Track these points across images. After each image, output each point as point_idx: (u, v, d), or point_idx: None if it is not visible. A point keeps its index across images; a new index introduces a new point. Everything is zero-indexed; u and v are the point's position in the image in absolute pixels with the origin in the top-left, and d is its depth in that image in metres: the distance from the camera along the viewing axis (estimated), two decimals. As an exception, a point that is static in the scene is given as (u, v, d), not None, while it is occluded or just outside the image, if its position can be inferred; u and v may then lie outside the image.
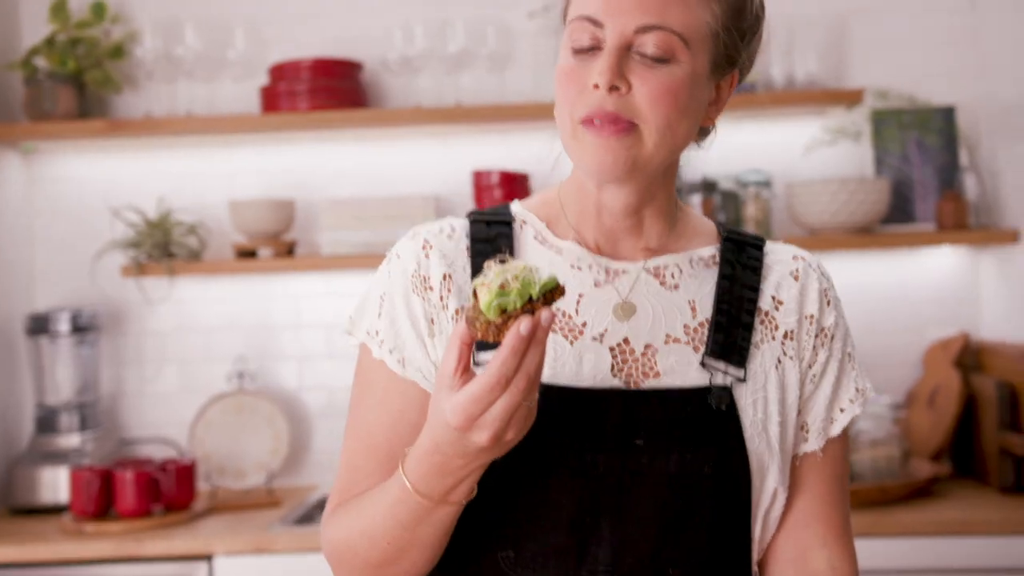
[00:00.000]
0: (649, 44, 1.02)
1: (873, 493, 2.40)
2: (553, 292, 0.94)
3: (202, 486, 2.76)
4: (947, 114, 2.76)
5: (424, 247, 1.11)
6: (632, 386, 1.08)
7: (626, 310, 1.10)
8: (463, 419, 0.92)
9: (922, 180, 2.77)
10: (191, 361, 2.87)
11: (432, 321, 1.09)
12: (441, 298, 1.09)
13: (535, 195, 1.19)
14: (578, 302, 1.10)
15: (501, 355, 0.90)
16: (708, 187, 2.73)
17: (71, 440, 2.73)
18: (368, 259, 2.69)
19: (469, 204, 2.82)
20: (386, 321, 1.10)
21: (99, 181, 2.86)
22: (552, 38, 2.76)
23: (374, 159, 2.87)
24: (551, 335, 1.07)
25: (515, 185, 2.72)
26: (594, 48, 1.03)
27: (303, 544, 2.33)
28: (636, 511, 1.05)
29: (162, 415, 2.86)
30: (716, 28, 1.05)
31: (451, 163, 2.84)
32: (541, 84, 2.80)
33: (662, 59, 1.02)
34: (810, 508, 1.14)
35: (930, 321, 2.80)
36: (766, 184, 2.72)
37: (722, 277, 1.12)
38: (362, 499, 1.06)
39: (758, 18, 1.10)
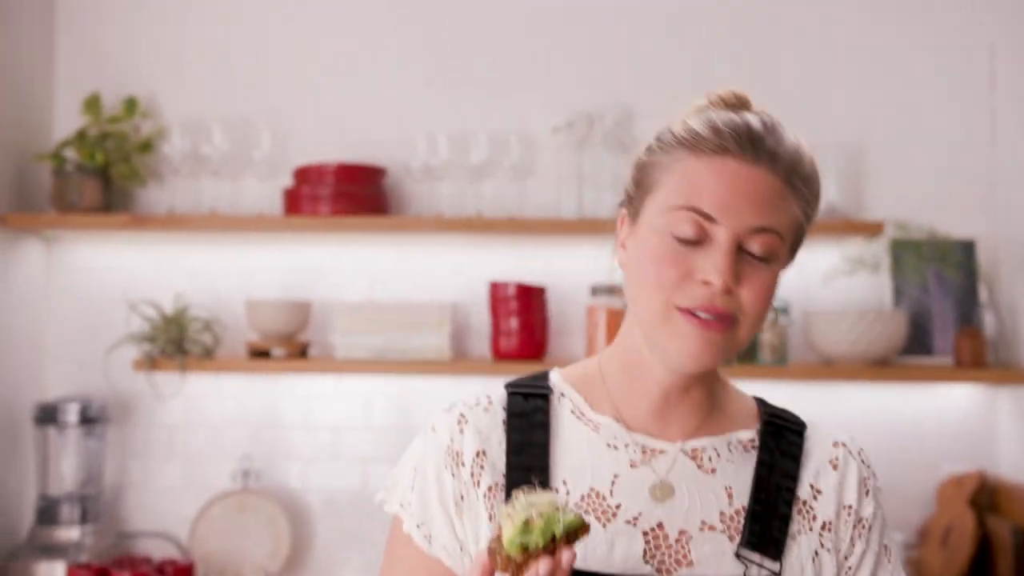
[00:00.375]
0: (756, 244, 1.04)
1: (882, 637, 2.34)
2: (578, 531, 0.93)
3: (200, 586, 2.72)
4: (967, 248, 2.76)
5: (460, 421, 1.12)
6: (664, 574, 1.06)
7: (664, 491, 1.09)
8: None
9: (941, 313, 2.75)
10: (197, 457, 2.85)
11: (462, 497, 1.10)
12: (472, 474, 1.10)
13: (576, 365, 1.19)
14: (612, 483, 1.08)
15: None
16: (724, 310, 2.70)
17: (71, 533, 2.70)
18: (381, 364, 2.69)
19: (485, 314, 2.82)
20: (417, 495, 1.11)
21: (119, 273, 2.88)
22: (574, 152, 2.79)
23: (392, 264, 2.88)
24: (586, 516, 1.07)
25: (531, 298, 2.72)
26: (699, 241, 1.03)
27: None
28: None
29: (165, 510, 2.83)
30: (802, 220, 1.08)
31: (468, 272, 2.84)
32: (562, 197, 2.81)
33: (765, 258, 1.04)
34: None
35: (945, 457, 2.76)
36: (784, 311, 2.71)
37: (760, 464, 1.11)
38: None
39: (819, 190, 1.12)
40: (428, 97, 2.89)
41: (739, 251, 1.04)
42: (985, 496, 2.66)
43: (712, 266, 1.02)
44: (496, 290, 2.74)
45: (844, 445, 1.15)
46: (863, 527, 1.12)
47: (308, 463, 2.86)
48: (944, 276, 2.75)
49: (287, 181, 2.86)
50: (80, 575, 2.53)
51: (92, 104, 2.82)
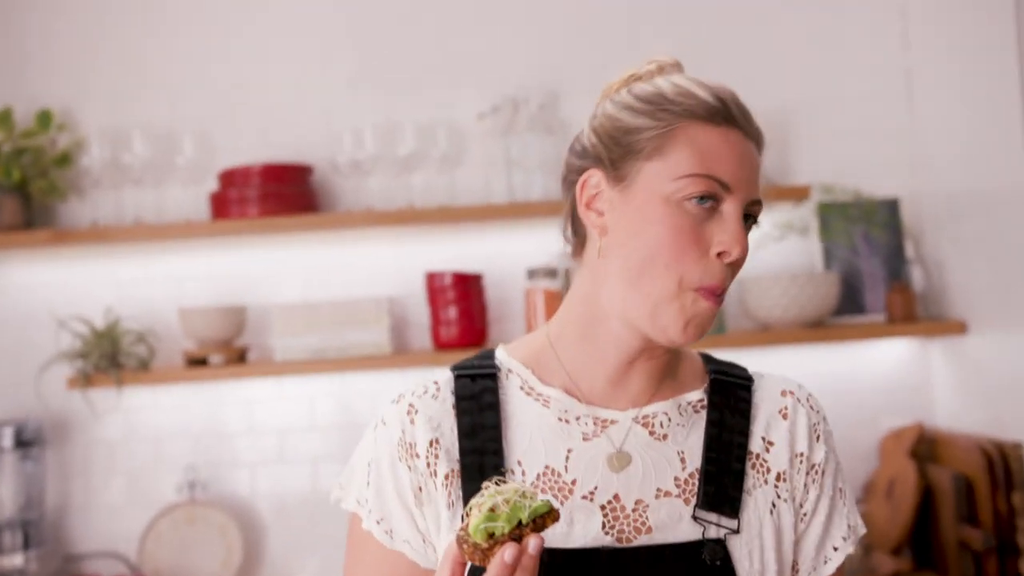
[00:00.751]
0: (752, 215, 1.08)
1: (835, 593, 2.38)
2: (545, 518, 0.94)
3: (152, 602, 2.68)
4: (891, 206, 2.82)
5: (409, 412, 1.11)
6: (624, 543, 1.05)
7: (621, 460, 1.09)
8: None
9: (871, 272, 2.80)
10: (140, 472, 2.80)
11: (420, 489, 1.09)
12: (428, 464, 1.09)
13: (521, 340, 1.18)
14: (567, 459, 1.08)
15: None
16: (660, 284, 2.73)
17: (14, 560, 2.63)
18: (322, 363, 2.66)
19: (423, 306, 2.81)
20: (373, 490, 1.11)
21: (45, 290, 2.81)
22: (500, 137, 2.79)
23: (326, 263, 2.86)
24: (543, 495, 1.07)
25: (468, 286, 2.72)
26: (712, 210, 1.05)
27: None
28: None
29: (110, 529, 2.77)
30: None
31: (404, 265, 2.83)
32: (492, 183, 2.82)
33: (750, 228, 1.09)
34: None
35: (884, 411, 2.82)
36: (718, 280, 2.74)
37: (710, 424, 1.11)
38: None
39: None
40: (352, 92, 2.86)
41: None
42: (925, 447, 2.72)
43: (731, 237, 1.03)
44: (432, 280, 2.73)
45: (792, 393, 1.16)
46: (816, 472, 1.13)
47: (255, 469, 2.83)
48: (871, 235, 2.80)
49: (213, 186, 2.81)
50: (27, 601, 2.49)
51: (4, 118, 2.74)
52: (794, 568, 1.12)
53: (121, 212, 2.77)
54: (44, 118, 2.77)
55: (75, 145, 2.77)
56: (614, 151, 1.07)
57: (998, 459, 2.41)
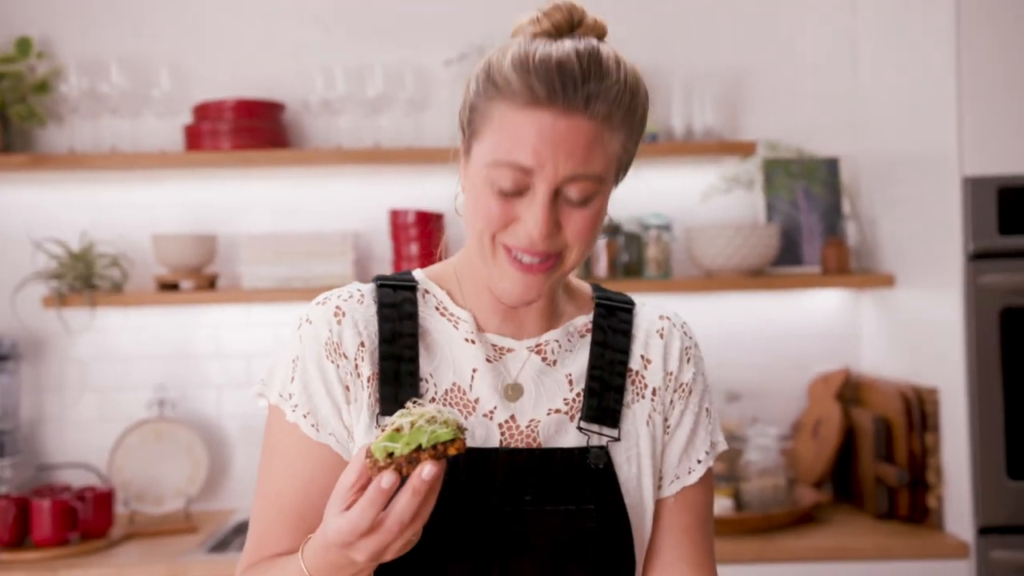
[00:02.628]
0: (574, 191, 1.07)
1: (759, 521, 2.58)
2: (447, 445, 0.95)
3: (121, 511, 2.82)
4: (831, 165, 2.98)
5: (336, 314, 1.15)
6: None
7: (515, 391, 1.17)
8: (340, 540, 0.97)
9: (809, 226, 2.98)
10: (112, 389, 2.94)
11: (347, 388, 1.14)
12: (356, 365, 1.14)
13: (435, 266, 1.25)
14: (472, 378, 1.17)
15: (363, 500, 0.95)
16: (612, 229, 2.89)
17: (-11, 467, 2.77)
18: (288, 292, 2.80)
19: (386, 241, 2.94)
20: (299, 385, 1.14)
21: (22, 213, 2.92)
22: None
23: (295, 197, 2.98)
24: (451, 408, 1.14)
25: (430, 224, 2.86)
26: (519, 192, 1.07)
27: (217, 572, 2.40)
28: (525, 568, 1.11)
29: (82, 442, 2.91)
30: (624, 155, 1.12)
31: (369, 202, 2.96)
32: (456, 128, 2.93)
33: (585, 200, 1.08)
34: (673, 551, 1.21)
35: (815, 357, 3.01)
36: (667, 228, 2.90)
37: (594, 344, 1.21)
38: (268, 570, 1.11)
39: (645, 115, 1.14)
40: (324, 33, 2.97)
41: (558, 197, 1.07)
42: (849, 391, 2.92)
43: (532, 218, 1.06)
44: (396, 217, 2.86)
45: (669, 319, 1.25)
46: (684, 390, 1.23)
47: (221, 391, 2.97)
48: (811, 192, 2.97)
49: (187, 118, 2.92)
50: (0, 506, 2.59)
51: (-16, 45, 2.82)
52: (658, 476, 1.21)
53: (98, 140, 2.87)
54: (23, 45, 2.84)
55: (53, 73, 2.86)
56: (465, 127, 1.14)
57: (915, 403, 2.61)
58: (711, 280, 2.86)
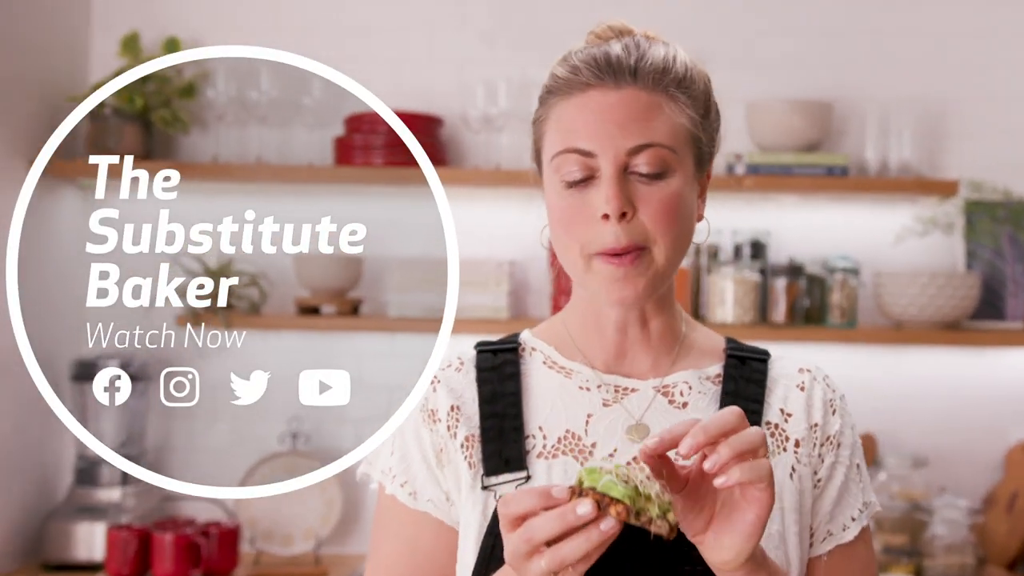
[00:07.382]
0: (643, 163, 1.06)
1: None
2: (650, 519, 0.90)
3: (246, 550, 2.64)
4: (1042, 210, 2.72)
5: (432, 383, 1.18)
6: None
7: (640, 432, 1.12)
8: (514, 555, 0.93)
9: (1014, 277, 2.72)
10: (244, 417, 2.75)
11: (441, 450, 1.13)
12: (448, 428, 1.14)
13: (543, 323, 1.24)
14: (587, 423, 1.12)
15: (555, 511, 0.90)
16: (794, 271, 2.65)
17: (111, 494, 2.62)
18: (436, 323, 2.55)
19: (544, 271, 2.74)
20: (398, 457, 1.16)
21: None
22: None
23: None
24: (564, 456, 1.11)
25: (594, 256, 2.64)
26: (588, 179, 1.07)
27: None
28: None
29: (209, 472, 2.74)
30: (694, 130, 1.10)
31: (529, 228, 2.73)
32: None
33: (659, 175, 1.07)
34: None
35: (1014, 423, 2.75)
36: (854, 272, 2.65)
37: (725, 394, 1.15)
38: None
39: (718, 110, 1.15)
40: (486, 46, 2.80)
41: (628, 176, 1.06)
42: (1055, 463, 2.64)
43: (603, 198, 1.05)
44: (558, 247, 2.65)
45: (809, 371, 1.19)
46: (831, 443, 1.16)
47: (359, 425, 2.77)
48: (1018, 239, 2.72)
49: (338, 130, 2.74)
50: (121, 536, 2.48)
51: (130, 43, 2.68)
52: (810, 532, 1.14)
53: (244, 149, 2.71)
54: (171, 46, 2.70)
55: (201, 77, 2.71)
56: (533, 150, 1.16)
57: None
58: (901, 332, 2.61)
